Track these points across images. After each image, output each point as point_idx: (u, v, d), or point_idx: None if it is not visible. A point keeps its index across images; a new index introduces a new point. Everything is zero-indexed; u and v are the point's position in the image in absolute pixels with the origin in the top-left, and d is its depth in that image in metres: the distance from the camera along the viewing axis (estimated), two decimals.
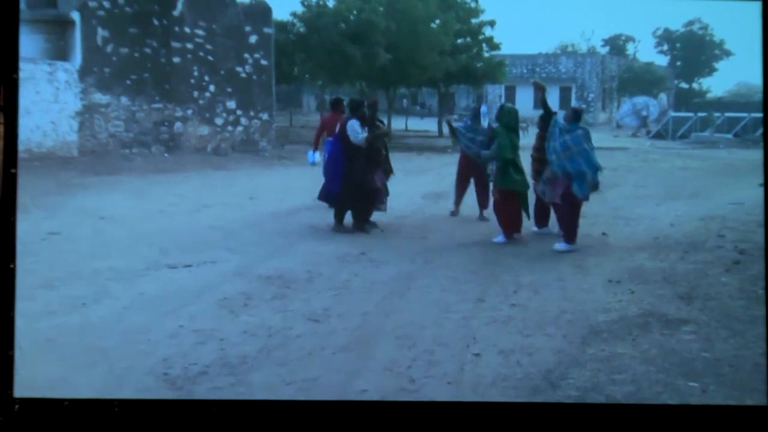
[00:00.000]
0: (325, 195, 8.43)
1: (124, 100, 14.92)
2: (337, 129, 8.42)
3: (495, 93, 39.27)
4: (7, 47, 3.73)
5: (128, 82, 14.96)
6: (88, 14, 14.23)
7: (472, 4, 27.44)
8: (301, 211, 9.65)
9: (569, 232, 7.60)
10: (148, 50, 15.25)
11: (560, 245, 7.56)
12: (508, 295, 5.99)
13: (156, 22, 15.39)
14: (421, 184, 12.20)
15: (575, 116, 7.86)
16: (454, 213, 9.51)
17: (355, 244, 7.65)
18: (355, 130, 8.13)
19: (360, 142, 8.13)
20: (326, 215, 8.93)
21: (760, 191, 11.82)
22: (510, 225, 7.99)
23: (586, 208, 8.05)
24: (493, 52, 27.96)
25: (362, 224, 8.20)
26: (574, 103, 38.57)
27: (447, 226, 8.91)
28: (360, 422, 3.88)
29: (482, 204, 9.24)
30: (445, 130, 13.95)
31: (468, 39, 27.33)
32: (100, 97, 14.51)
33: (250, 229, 8.23)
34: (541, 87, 8.59)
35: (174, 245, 7.12)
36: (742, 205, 10.40)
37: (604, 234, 8.48)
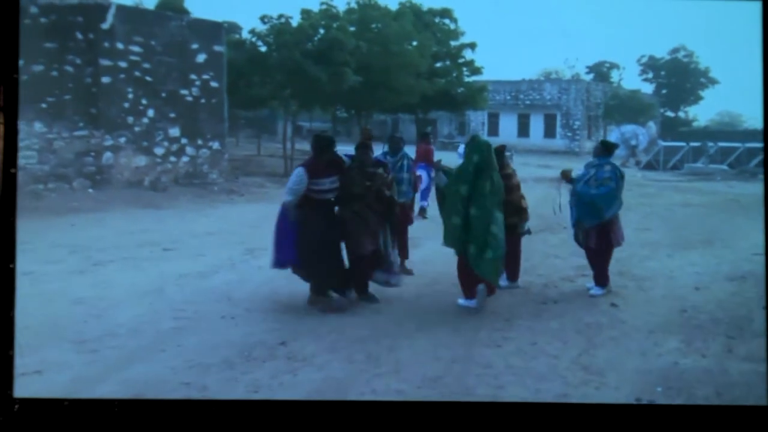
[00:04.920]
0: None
1: (38, 126, 12.66)
2: None
3: (478, 120, 37.56)
4: (7, 47, 3.69)
5: (44, 105, 12.72)
6: None
7: (452, 26, 25.72)
8: (224, 268, 7.51)
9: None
10: (69, 68, 13.06)
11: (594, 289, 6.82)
12: None
13: (80, 36, 13.23)
14: None
15: (605, 150, 6.97)
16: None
17: (275, 326, 5.48)
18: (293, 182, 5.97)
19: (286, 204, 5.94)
20: (252, 276, 6.83)
21: None
22: (463, 286, 6.15)
23: (584, 262, 7.08)
24: (475, 77, 26.22)
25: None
26: (559, 130, 36.93)
27: (406, 291, 6.76)
28: (360, 422, 3.78)
29: (405, 252, 7.48)
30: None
31: (447, 62, 25.53)
32: None
33: (138, 302, 6.03)
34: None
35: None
36: None
37: (613, 305, 6.42)
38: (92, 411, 3.70)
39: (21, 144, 12.43)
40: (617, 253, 7.76)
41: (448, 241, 6.06)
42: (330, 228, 6.01)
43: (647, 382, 4.57)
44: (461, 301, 6.14)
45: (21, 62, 11.64)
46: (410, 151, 9.37)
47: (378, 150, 7.26)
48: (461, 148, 6.95)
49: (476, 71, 25.76)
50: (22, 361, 4.41)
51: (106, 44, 13.55)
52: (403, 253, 7.51)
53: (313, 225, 5.90)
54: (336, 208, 6.16)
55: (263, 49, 18.98)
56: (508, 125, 36.65)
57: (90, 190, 13.19)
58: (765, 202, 4.55)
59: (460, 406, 3.99)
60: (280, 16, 18.67)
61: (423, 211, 11.44)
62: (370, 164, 6.17)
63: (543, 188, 17.91)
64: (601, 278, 6.85)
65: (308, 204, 5.92)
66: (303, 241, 5.90)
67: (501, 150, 6.84)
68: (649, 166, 27.26)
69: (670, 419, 3.90)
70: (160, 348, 4.84)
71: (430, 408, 3.94)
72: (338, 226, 6.10)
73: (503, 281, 6.68)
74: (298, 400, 4.01)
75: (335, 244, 6.07)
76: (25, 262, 7.31)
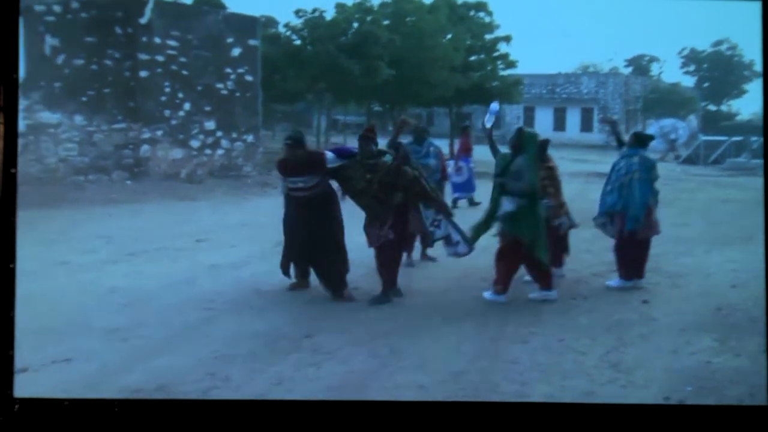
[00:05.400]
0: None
1: (78, 119, 12.97)
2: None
3: (513, 114, 37.22)
4: (7, 47, 3.71)
5: (84, 98, 13.03)
6: (33, 19, 12.33)
7: (487, 19, 25.45)
8: (255, 260, 7.57)
9: (622, 268, 6.75)
10: (108, 62, 13.33)
11: (612, 281, 6.77)
12: None
13: (119, 31, 13.48)
14: None
15: (637, 141, 6.90)
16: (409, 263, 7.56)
17: (300, 318, 5.52)
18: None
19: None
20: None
21: None
22: (502, 278, 6.17)
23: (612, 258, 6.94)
24: (510, 71, 25.95)
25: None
26: (596, 124, 36.36)
27: (432, 281, 6.76)
28: (361, 422, 3.78)
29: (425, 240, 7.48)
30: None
31: (482, 55, 25.29)
32: (48, 116, 12.58)
33: (168, 292, 6.12)
34: (611, 121, 7.18)
35: (31, 330, 4.99)
36: None
37: (645, 302, 6.30)
38: (92, 411, 3.70)
39: (63, 136, 12.79)
40: (651, 249, 7.59)
41: (532, 235, 6.09)
42: (301, 225, 6.10)
43: (677, 381, 4.48)
44: (488, 294, 6.10)
45: (62, 56, 11.95)
46: (443, 144, 9.43)
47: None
48: (495, 106, 6.84)
49: (511, 65, 25.46)
50: (53, 349, 4.54)
51: (144, 39, 13.78)
52: (425, 241, 7.58)
53: (288, 221, 6.24)
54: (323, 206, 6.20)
55: (298, 42, 19.10)
56: (543, 119, 36.22)
57: (128, 182, 13.45)
58: (765, 201, 4.40)
59: (462, 405, 3.99)
60: (315, 10, 18.78)
61: (471, 201, 12.05)
62: (369, 156, 6.05)
63: (579, 183, 17.65)
64: (623, 270, 6.74)
65: (287, 200, 6.24)
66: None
67: (545, 144, 6.96)
68: (689, 161, 26.66)
69: (670, 419, 3.87)
70: (187, 338, 4.93)
71: (432, 407, 3.94)
72: (321, 224, 6.10)
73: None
74: (301, 400, 4.00)
75: (304, 240, 6.11)
76: (62, 252, 7.54)
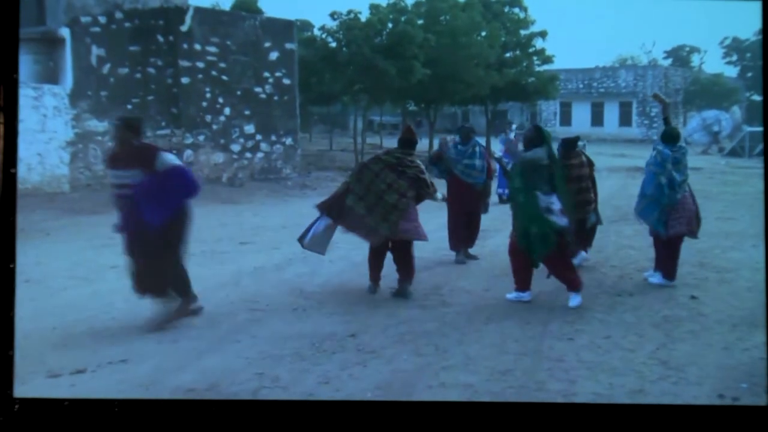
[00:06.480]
0: None
1: None
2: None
3: (550, 110, 36.84)
4: (7, 47, 3.70)
5: (129, 106, 13.34)
6: (80, 31, 12.68)
7: (521, 15, 25.24)
8: (297, 261, 7.67)
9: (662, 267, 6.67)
10: (151, 70, 13.64)
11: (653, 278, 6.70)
12: None
13: (161, 39, 13.78)
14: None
15: (662, 136, 6.83)
16: (461, 260, 7.68)
17: (345, 318, 5.59)
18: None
19: None
20: (323, 269, 6.98)
21: None
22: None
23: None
24: (546, 66, 25.69)
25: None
26: (635, 118, 35.78)
27: (474, 280, 6.78)
28: (362, 422, 3.80)
29: (471, 241, 7.86)
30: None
31: (517, 52, 25.08)
32: (95, 124, 12.92)
33: (215, 294, 6.24)
34: (661, 100, 7.41)
35: (86, 332, 5.16)
36: None
37: (693, 297, 6.21)
38: (92, 411, 3.69)
39: (110, 144, 13.10)
40: (697, 244, 7.50)
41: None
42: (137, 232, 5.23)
43: (731, 378, 4.41)
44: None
45: (108, 66, 12.26)
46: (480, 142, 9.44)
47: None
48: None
49: (547, 60, 25.23)
50: (108, 351, 4.68)
51: (185, 46, 14.06)
52: (469, 241, 7.86)
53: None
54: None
55: (333, 45, 19.22)
56: (581, 114, 35.81)
57: None
58: (765, 200, 4.28)
59: (463, 405, 3.98)
60: (349, 12, 18.85)
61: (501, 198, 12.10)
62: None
63: (618, 178, 17.40)
64: (663, 269, 6.65)
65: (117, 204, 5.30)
66: None
67: (571, 143, 7.08)
68: (734, 153, 26.07)
69: (670, 419, 3.83)
70: (235, 339, 5.02)
71: (433, 408, 3.93)
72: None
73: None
74: (301, 400, 4.00)
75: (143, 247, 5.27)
76: (112, 257, 7.71)
